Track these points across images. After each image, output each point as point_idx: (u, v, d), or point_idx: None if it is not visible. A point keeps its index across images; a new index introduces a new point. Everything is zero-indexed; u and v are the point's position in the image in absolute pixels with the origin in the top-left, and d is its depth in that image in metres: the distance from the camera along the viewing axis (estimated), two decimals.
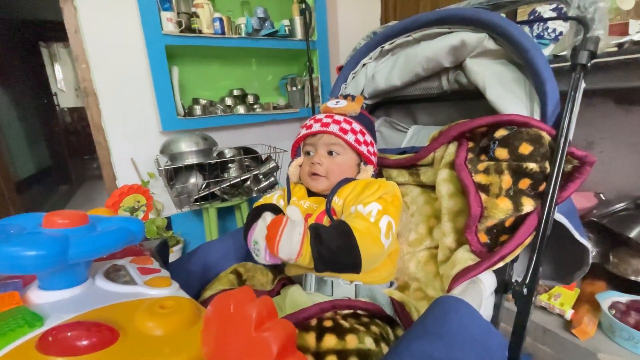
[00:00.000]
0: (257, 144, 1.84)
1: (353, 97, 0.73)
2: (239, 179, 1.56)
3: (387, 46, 0.84)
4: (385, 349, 0.49)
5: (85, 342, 0.25)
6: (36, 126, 3.53)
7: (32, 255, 0.27)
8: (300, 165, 0.73)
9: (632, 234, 1.26)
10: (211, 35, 1.65)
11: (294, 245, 0.53)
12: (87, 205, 3.15)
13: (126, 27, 1.56)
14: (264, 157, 1.73)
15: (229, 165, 1.60)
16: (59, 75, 5.09)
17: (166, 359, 0.27)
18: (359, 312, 0.56)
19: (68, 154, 3.92)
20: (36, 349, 0.25)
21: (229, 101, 1.88)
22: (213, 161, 1.49)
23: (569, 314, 1.20)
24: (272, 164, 1.65)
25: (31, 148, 3.34)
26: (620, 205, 1.35)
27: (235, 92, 1.91)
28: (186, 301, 0.33)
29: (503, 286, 0.56)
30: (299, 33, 1.87)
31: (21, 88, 3.33)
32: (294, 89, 2.00)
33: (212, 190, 1.52)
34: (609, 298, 1.19)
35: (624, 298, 1.18)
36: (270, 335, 0.16)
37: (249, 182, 1.61)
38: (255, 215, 0.66)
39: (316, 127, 0.68)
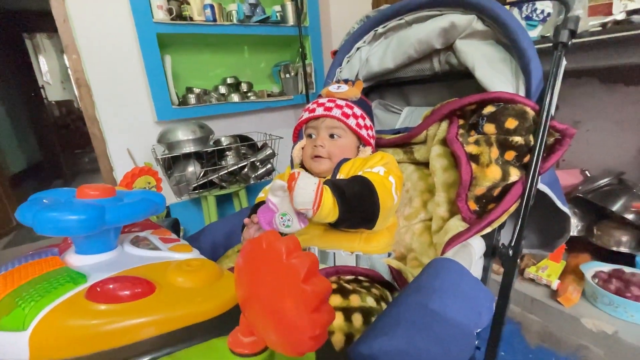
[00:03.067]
0: (252, 131, 1.86)
1: (353, 82, 0.77)
2: (236, 167, 1.59)
3: (380, 29, 0.87)
4: (385, 307, 0.54)
5: (128, 292, 0.29)
6: (25, 120, 3.48)
7: (75, 219, 0.31)
8: (303, 148, 0.77)
9: (615, 208, 1.33)
10: (202, 22, 1.65)
11: (309, 194, 0.51)
12: None
13: (116, 16, 1.55)
14: (259, 144, 1.76)
15: (226, 153, 1.63)
16: (44, 68, 4.98)
17: (198, 305, 0.31)
18: (360, 277, 0.60)
19: (59, 148, 3.87)
20: (86, 299, 0.29)
21: (222, 89, 1.88)
22: (210, 149, 1.52)
23: (555, 284, 1.28)
24: (268, 151, 1.68)
25: (21, 143, 3.30)
26: (604, 181, 1.41)
27: (229, 81, 1.91)
28: (209, 261, 0.37)
29: (491, 250, 0.61)
30: (291, 19, 1.88)
31: (7, 82, 3.27)
32: (287, 76, 2.01)
33: (210, 178, 1.54)
34: (592, 268, 1.27)
35: (607, 267, 1.26)
36: (297, 262, 0.20)
37: (246, 170, 1.63)
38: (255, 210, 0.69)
39: (319, 110, 0.72)
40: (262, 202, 0.72)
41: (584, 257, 1.42)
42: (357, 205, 0.56)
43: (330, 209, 0.53)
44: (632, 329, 1.09)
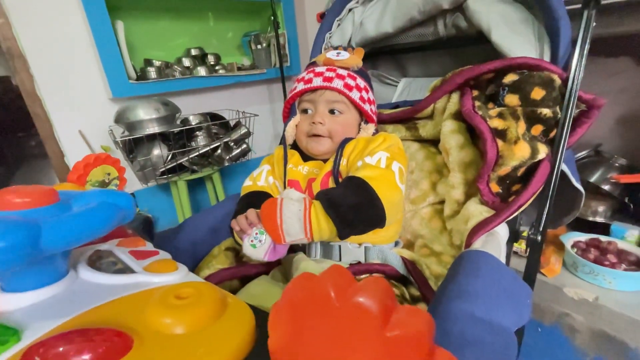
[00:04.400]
0: (223, 109, 1.70)
1: (353, 48, 0.65)
2: (208, 148, 1.44)
3: None
4: None
5: (89, 357, 0.19)
6: None
7: None
8: (297, 126, 0.65)
9: (592, 179, 1.35)
10: None
11: (296, 223, 0.47)
12: None
13: None
14: (232, 123, 1.61)
15: (196, 133, 1.47)
16: None
17: None
18: (375, 274, 0.53)
19: None
20: None
21: (186, 62, 1.69)
22: (177, 129, 1.35)
23: None
24: (243, 130, 1.54)
25: None
26: (582, 154, 1.44)
27: (194, 52, 1.72)
28: (205, 286, 0.26)
29: (513, 235, 0.56)
30: None
31: None
32: (259, 47, 1.83)
33: (179, 162, 1.39)
34: (571, 238, 1.30)
35: (584, 237, 1.29)
36: (406, 335, 0.11)
37: (219, 151, 1.49)
38: (247, 205, 0.58)
39: (317, 81, 0.60)
40: (253, 193, 0.62)
41: (561, 227, 1.46)
42: (355, 217, 0.49)
43: (325, 229, 0.47)
44: (610, 294, 1.13)
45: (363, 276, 0.51)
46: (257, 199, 0.59)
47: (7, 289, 0.24)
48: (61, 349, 0.19)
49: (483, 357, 0.32)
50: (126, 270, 0.29)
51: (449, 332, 0.33)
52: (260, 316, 0.26)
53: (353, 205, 0.49)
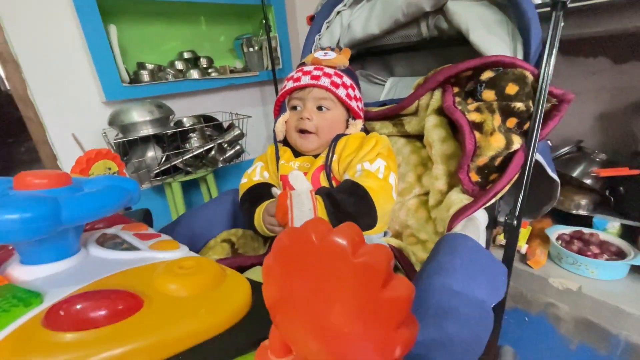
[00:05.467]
0: (216, 111, 1.72)
1: (340, 49, 0.69)
2: (202, 149, 1.46)
3: None
4: None
5: (105, 312, 0.21)
6: None
7: (17, 219, 0.21)
8: (287, 122, 0.69)
9: (575, 174, 1.41)
10: None
11: (306, 215, 0.53)
12: None
13: None
14: (225, 124, 1.63)
15: (190, 135, 1.49)
16: None
17: (202, 319, 0.24)
18: None
19: None
20: (44, 327, 0.21)
21: (179, 65, 1.71)
22: (171, 131, 1.37)
23: (524, 248, 1.34)
24: (236, 132, 1.56)
25: None
26: (564, 150, 1.49)
27: (186, 55, 1.74)
28: (206, 260, 0.29)
29: (492, 222, 0.59)
30: None
31: None
32: (251, 50, 1.86)
33: (173, 163, 1.41)
34: (556, 231, 1.35)
35: (568, 230, 1.34)
36: (369, 260, 0.14)
37: (213, 152, 1.52)
38: (252, 200, 0.63)
39: (305, 79, 0.64)
40: (253, 187, 0.65)
41: (546, 221, 1.51)
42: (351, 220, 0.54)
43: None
44: (593, 284, 1.17)
45: None
46: (258, 192, 0.64)
47: (26, 261, 0.27)
48: (79, 305, 0.22)
49: (459, 325, 0.36)
50: (132, 248, 0.31)
51: (427, 303, 0.37)
52: (256, 286, 0.29)
53: (351, 213, 0.55)
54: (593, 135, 1.51)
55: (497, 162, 0.58)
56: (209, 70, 1.77)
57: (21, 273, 0.26)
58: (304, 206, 0.52)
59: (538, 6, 1.06)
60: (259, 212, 0.60)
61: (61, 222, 0.23)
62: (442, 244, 0.47)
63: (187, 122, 1.49)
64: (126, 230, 0.35)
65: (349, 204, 0.55)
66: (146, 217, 0.49)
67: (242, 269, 0.62)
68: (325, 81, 0.63)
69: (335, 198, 0.55)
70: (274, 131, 0.71)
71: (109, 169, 0.49)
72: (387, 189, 0.59)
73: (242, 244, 0.66)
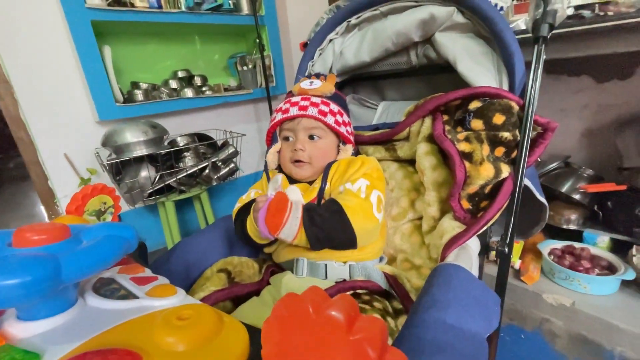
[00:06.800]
0: (210, 129, 1.73)
1: (325, 76, 0.71)
2: (196, 168, 1.46)
3: (353, 20, 0.81)
4: (391, 322, 0.51)
5: None
6: None
7: (17, 284, 0.22)
8: (279, 152, 0.70)
9: (564, 189, 1.44)
10: (146, 9, 1.47)
11: (293, 228, 0.54)
12: (14, 211, 2.72)
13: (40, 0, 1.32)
14: (220, 142, 1.64)
15: (184, 154, 1.49)
16: None
17: None
18: (359, 291, 0.56)
19: None
20: None
21: (173, 84, 1.72)
22: (165, 151, 1.37)
23: (517, 264, 1.36)
24: (230, 150, 1.57)
25: None
26: (553, 165, 1.53)
27: (180, 74, 1.75)
28: (203, 308, 0.30)
29: (484, 248, 0.60)
30: (245, 7, 1.75)
31: None
32: (245, 68, 1.89)
33: (167, 182, 1.40)
34: (547, 246, 1.37)
35: (560, 244, 1.36)
36: (365, 338, 0.15)
37: (207, 171, 1.51)
38: (245, 207, 0.65)
39: (293, 110, 0.65)
40: (248, 202, 0.66)
41: (538, 236, 1.52)
42: (325, 238, 0.57)
43: (303, 240, 0.56)
44: (586, 299, 1.19)
45: (348, 293, 0.55)
46: (252, 202, 0.64)
47: (23, 317, 0.27)
48: None
49: None
50: (129, 295, 0.32)
51: (422, 338, 0.37)
52: (253, 333, 0.29)
53: (326, 228, 0.56)
54: (580, 151, 1.56)
55: (487, 189, 0.59)
56: (203, 89, 1.79)
57: (19, 330, 0.26)
58: (297, 212, 0.54)
59: (522, 32, 1.11)
60: (252, 218, 0.60)
61: (62, 281, 0.24)
62: (435, 275, 0.47)
63: (181, 141, 1.49)
64: (122, 274, 0.35)
65: (323, 219, 0.56)
66: (142, 251, 0.49)
67: (239, 298, 0.62)
68: (313, 111, 0.65)
69: (312, 214, 0.56)
70: (265, 161, 0.73)
71: (104, 203, 0.50)
72: (365, 207, 0.59)
73: (238, 272, 0.66)
